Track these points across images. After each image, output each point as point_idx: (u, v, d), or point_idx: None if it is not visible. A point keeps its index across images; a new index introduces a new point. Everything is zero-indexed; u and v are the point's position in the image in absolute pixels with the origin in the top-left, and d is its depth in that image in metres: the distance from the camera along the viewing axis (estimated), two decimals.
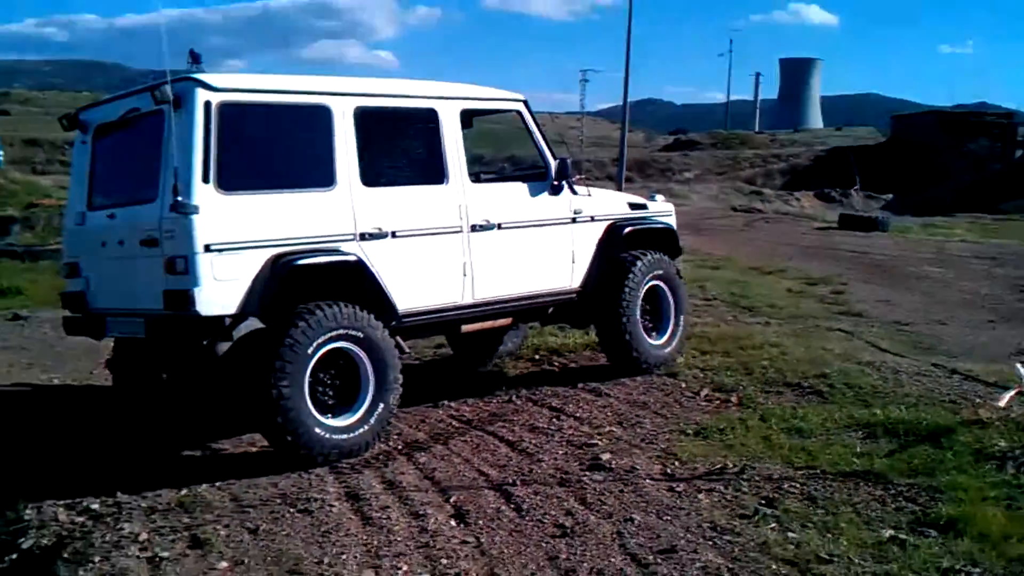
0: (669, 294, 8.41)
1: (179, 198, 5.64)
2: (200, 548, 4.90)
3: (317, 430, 6.05)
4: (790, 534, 4.78)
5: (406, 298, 6.69)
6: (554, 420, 7.02)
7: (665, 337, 8.40)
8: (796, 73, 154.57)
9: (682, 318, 8.54)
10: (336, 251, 6.32)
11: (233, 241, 5.86)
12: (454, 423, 7.10)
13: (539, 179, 7.72)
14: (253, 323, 6.21)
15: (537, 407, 7.41)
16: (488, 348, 9.01)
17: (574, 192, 7.87)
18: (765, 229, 22.35)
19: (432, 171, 7.01)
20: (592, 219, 8.01)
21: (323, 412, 6.16)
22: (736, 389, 7.55)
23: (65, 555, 5.06)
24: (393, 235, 6.61)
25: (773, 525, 4.90)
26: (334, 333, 6.11)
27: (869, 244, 19.02)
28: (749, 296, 12.38)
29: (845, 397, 7.28)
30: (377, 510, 5.31)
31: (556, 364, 8.99)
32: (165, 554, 4.85)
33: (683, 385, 7.76)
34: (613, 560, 4.55)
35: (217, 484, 5.89)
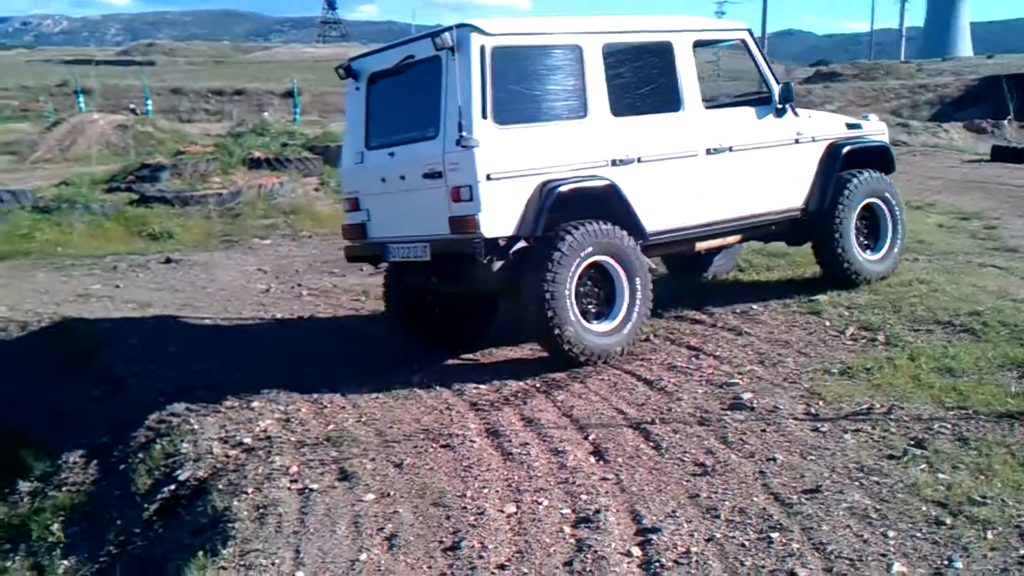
0: (886, 211, 8.63)
1: (463, 133, 6.28)
2: (348, 481, 5.07)
3: (583, 334, 6.75)
4: (940, 475, 4.63)
5: (651, 218, 7.18)
6: (693, 359, 6.94)
7: (880, 253, 8.65)
8: None
9: (900, 234, 8.75)
10: (593, 176, 6.87)
11: (508, 170, 6.52)
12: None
13: (764, 103, 8.11)
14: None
15: (675, 346, 7.34)
16: (700, 267, 9.58)
17: (796, 114, 8.19)
18: (912, 162, 21.36)
19: (670, 99, 7.44)
20: (813, 139, 8.33)
21: (586, 319, 6.86)
22: (883, 327, 7.29)
23: (220, 486, 5.30)
24: (639, 160, 7.12)
25: (922, 466, 4.75)
26: (595, 248, 6.76)
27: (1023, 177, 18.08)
28: None
29: (999, 335, 6.93)
30: (517, 446, 5.38)
31: (692, 302, 8.85)
32: (314, 486, 5.03)
33: (827, 323, 7.54)
34: (756, 499, 4.49)
35: (363, 419, 6.07)
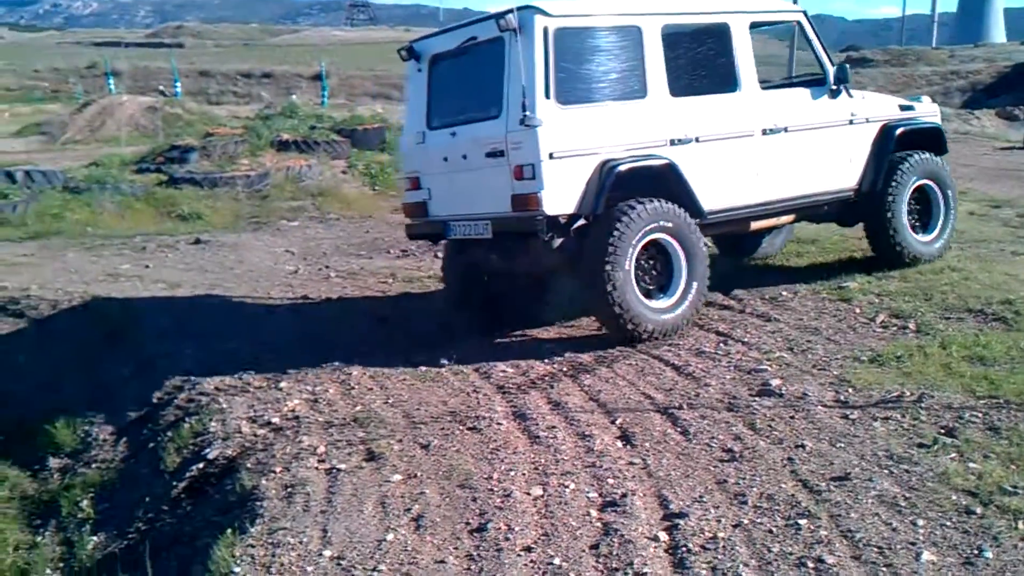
0: (938, 192, 8.73)
1: (526, 113, 6.39)
2: (375, 461, 5.09)
3: (643, 311, 6.92)
4: (971, 464, 4.58)
5: (709, 197, 7.32)
6: (721, 345, 6.91)
7: (933, 234, 8.76)
8: None
9: (951, 216, 8.84)
10: (653, 156, 7.01)
11: (570, 149, 6.64)
12: (618, 346, 7.08)
13: (818, 84, 8.21)
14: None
15: (703, 331, 7.31)
16: (750, 247, 9.80)
17: (850, 95, 8.29)
18: None
19: (726, 80, 7.58)
20: (867, 121, 8.41)
21: (645, 296, 7.02)
22: (914, 315, 7.23)
23: (248, 465, 5.34)
24: (697, 140, 7.26)
25: (953, 455, 4.70)
26: (654, 225, 6.89)
27: None
28: None
29: None
30: (544, 430, 5.37)
31: (721, 287, 8.81)
32: (342, 466, 5.05)
33: (857, 311, 7.48)
34: (784, 486, 4.46)
35: (390, 401, 6.09)
